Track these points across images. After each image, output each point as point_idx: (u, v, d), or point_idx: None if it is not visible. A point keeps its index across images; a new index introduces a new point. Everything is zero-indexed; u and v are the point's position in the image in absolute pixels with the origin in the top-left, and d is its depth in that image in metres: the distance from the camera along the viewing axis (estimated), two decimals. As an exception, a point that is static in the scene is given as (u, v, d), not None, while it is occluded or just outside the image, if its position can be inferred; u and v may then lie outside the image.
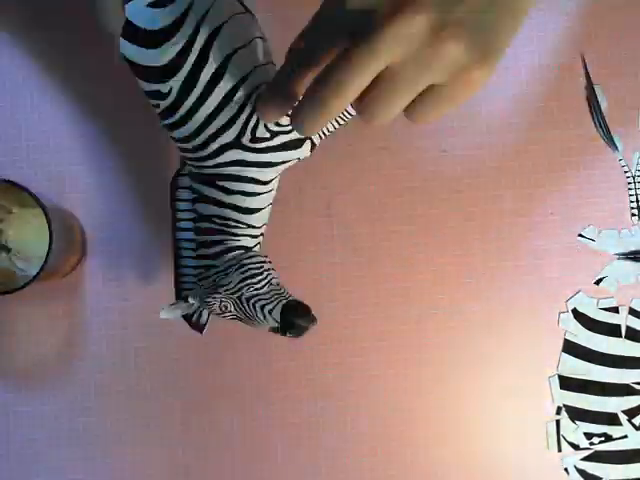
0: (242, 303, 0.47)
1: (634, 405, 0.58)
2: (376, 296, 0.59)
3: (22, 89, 0.60)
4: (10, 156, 0.60)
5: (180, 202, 0.51)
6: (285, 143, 0.47)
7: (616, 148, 0.60)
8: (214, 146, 0.46)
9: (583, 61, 0.60)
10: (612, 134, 0.60)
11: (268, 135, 0.46)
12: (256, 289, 0.47)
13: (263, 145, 0.47)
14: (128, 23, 0.45)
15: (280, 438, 0.58)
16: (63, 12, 0.59)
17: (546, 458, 0.58)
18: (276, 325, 0.47)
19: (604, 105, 0.60)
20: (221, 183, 0.48)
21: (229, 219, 0.49)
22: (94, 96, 0.60)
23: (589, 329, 0.59)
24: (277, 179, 0.50)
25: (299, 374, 0.59)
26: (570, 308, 0.59)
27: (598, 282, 0.59)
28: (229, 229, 0.49)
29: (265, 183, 0.49)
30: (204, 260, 0.50)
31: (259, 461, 0.58)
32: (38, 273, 0.51)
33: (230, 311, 0.48)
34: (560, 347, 0.59)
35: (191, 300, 0.48)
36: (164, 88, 0.44)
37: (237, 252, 0.49)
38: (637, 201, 0.60)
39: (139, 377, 0.58)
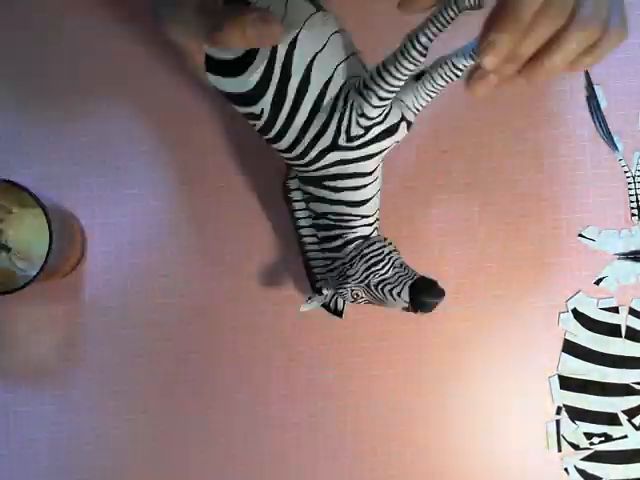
0: (371, 289, 0.51)
1: (634, 405, 0.58)
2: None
3: (22, 89, 0.60)
4: (10, 156, 0.60)
5: (295, 202, 0.54)
6: (379, 134, 0.47)
7: (616, 148, 0.60)
8: (313, 153, 0.48)
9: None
10: (612, 134, 0.60)
11: (362, 131, 0.47)
12: (381, 275, 0.50)
13: (360, 142, 0.47)
14: (208, 57, 0.46)
15: (280, 438, 0.58)
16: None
17: (546, 458, 0.58)
18: (407, 305, 0.50)
19: (604, 105, 0.60)
20: (328, 183, 0.50)
21: (343, 214, 0.51)
22: (93, 96, 0.60)
23: (589, 329, 0.59)
24: (381, 165, 0.51)
25: (299, 374, 0.59)
26: (570, 308, 0.59)
27: (598, 282, 0.59)
28: (345, 223, 0.51)
29: (369, 174, 0.49)
30: (329, 253, 0.53)
31: (259, 461, 0.58)
32: (38, 273, 0.51)
33: (362, 297, 0.51)
34: (560, 347, 0.59)
35: (325, 291, 0.51)
36: (256, 110, 0.46)
37: (357, 242, 0.52)
38: (637, 201, 0.60)
39: (139, 377, 0.58)
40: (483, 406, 0.58)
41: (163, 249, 0.59)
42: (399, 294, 0.49)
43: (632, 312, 0.59)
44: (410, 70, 0.43)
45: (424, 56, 0.42)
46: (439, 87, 0.46)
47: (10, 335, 0.59)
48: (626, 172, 0.60)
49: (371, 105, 0.45)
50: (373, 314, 0.59)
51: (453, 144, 0.60)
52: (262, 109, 0.46)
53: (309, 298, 0.51)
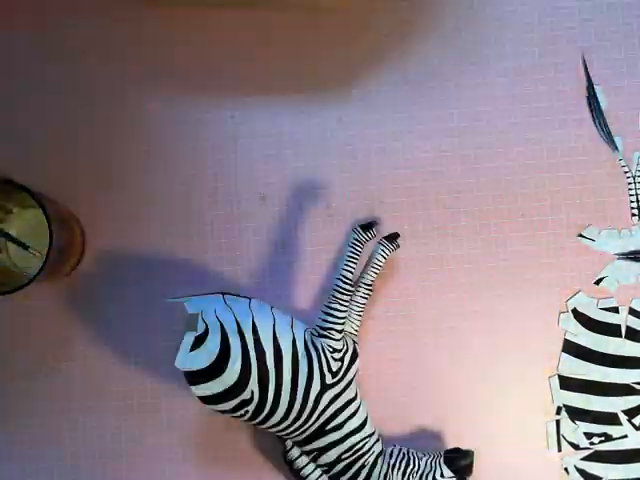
0: None
1: (634, 405, 0.58)
2: (377, 296, 0.59)
3: (23, 90, 0.60)
4: (10, 156, 0.60)
5: (304, 469, 0.55)
6: (350, 360, 0.55)
7: (616, 148, 0.60)
8: (310, 403, 0.52)
9: (583, 61, 0.60)
10: (612, 134, 0.60)
11: (339, 364, 0.54)
12: (417, 471, 0.54)
13: (341, 373, 0.54)
14: (188, 374, 0.50)
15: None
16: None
17: (546, 458, 0.58)
18: (454, 475, 0.53)
19: (604, 105, 0.60)
20: (330, 425, 0.54)
21: (355, 444, 0.54)
22: (92, 99, 0.60)
23: (589, 329, 0.59)
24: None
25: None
26: (570, 308, 0.59)
27: (598, 282, 0.59)
28: (361, 451, 0.54)
29: (355, 398, 0.55)
30: None
31: (259, 460, 0.58)
32: (38, 273, 0.51)
33: None
34: (560, 347, 0.59)
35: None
36: (246, 395, 0.51)
37: (379, 461, 0.55)
38: (637, 201, 0.60)
39: (140, 377, 0.58)
40: (483, 406, 0.58)
41: (163, 249, 0.59)
42: (442, 475, 0.53)
43: (632, 312, 0.59)
44: (347, 300, 0.54)
45: (352, 287, 0.55)
46: (362, 305, 0.56)
47: (10, 335, 0.59)
48: (626, 172, 0.60)
49: (335, 340, 0.54)
50: (373, 314, 0.59)
51: (452, 145, 0.60)
52: (252, 390, 0.51)
53: None
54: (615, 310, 0.59)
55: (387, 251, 0.56)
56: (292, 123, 0.60)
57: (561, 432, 0.58)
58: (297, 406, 0.52)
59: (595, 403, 0.58)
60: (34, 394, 0.58)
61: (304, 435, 0.54)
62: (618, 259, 0.59)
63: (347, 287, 0.55)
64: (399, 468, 0.54)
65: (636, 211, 0.60)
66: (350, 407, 0.54)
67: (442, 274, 0.59)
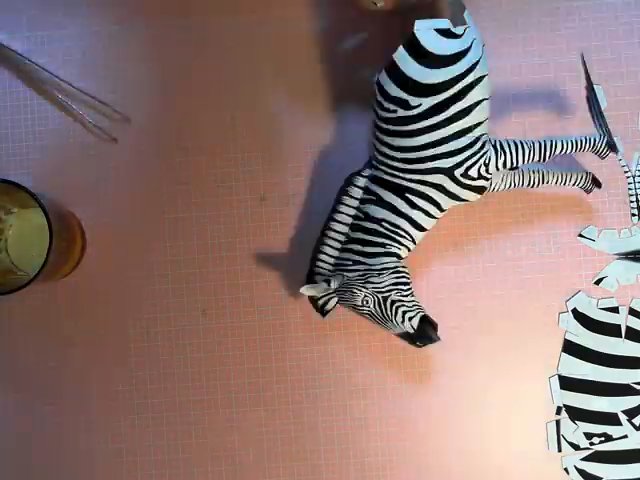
0: (385, 303, 0.53)
1: (634, 405, 0.58)
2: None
3: (23, 89, 0.60)
4: (11, 156, 0.60)
5: (348, 197, 0.55)
6: (476, 187, 0.54)
7: (616, 148, 0.60)
8: (429, 165, 0.52)
9: (583, 61, 0.60)
10: (612, 134, 0.60)
11: (476, 176, 0.53)
12: (403, 295, 0.53)
13: (467, 182, 0.53)
14: (415, 41, 0.50)
15: (280, 438, 0.58)
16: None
17: (546, 458, 0.58)
18: (411, 332, 0.53)
19: (604, 105, 0.60)
20: (410, 197, 0.54)
21: (400, 228, 0.54)
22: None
23: (589, 329, 0.59)
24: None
25: (299, 374, 0.59)
26: (570, 308, 0.59)
27: (598, 282, 0.59)
28: (396, 236, 0.54)
29: (443, 211, 0.55)
30: (353, 255, 0.55)
31: (259, 460, 0.58)
32: (38, 273, 0.51)
33: (369, 307, 0.54)
34: (560, 347, 0.59)
35: (332, 284, 0.53)
36: (414, 101, 0.51)
37: (393, 258, 0.54)
38: (637, 201, 0.60)
39: (139, 377, 0.58)
40: (483, 406, 0.58)
41: (163, 249, 0.59)
42: (410, 319, 0.53)
43: (632, 312, 0.59)
44: (533, 159, 0.54)
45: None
46: (520, 183, 0.56)
47: (10, 335, 0.59)
48: (626, 172, 0.60)
49: (496, 165, 0.53)
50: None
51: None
52: (420, 103, 0.50)
53: (313, 284, 0.53)
54: (615, 310, 0.59)
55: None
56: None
57: (561, 432, 0.58)
58: (424, 154, 0.52)
59: (595, 403, 0.58)
60: (34, 394, 0.58)
61: (390, 178, 0.54)
62: (618, 259, 0.59)
63: (548, 153, 0.54)
64: (398, 277, 0.54)
65: (636, 211, 0.60)
66: (433, 208, 0.54)
67: (442, 274, 0.59)
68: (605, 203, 0.60)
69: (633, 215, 0.60)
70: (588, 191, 0.58)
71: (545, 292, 0.59)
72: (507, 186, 0.56)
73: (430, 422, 0.58)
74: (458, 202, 0.55)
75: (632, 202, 0.60)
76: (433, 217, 0.54)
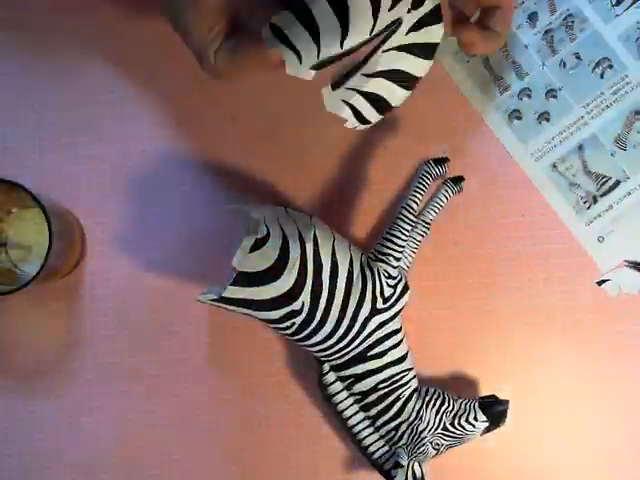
0: (449, 430, 0.53)
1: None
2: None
3: (23, 90, 0.60)
4: (11, 156, 0.60)
5: (336, 395, 0.55)
6: (401, 290, 0.54)
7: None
8: (357, 325, 0.52)
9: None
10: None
11: (392, 290, 0.54)
12: (451, 411, 0.54)
13: (393, 300, 0.54)
14: (243, 276, 0.49)
15: (281, 437, 0.58)
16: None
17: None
18: (487, 426, 0.53)
19: (605, 105, 0.60)
20: (372, 352, 0.53)
21: (393, 375, 0.54)
22: (93, 97, 0.60)
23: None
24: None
25: (299, 375, 0.59)
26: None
27: (600, 283, 0.58)
28: (398, 383, 0.54)
29: (400, 330, 0.54)
30: (389, 424, 0.54)
31: (259, 460, 0.58)
32: (38, 273, 0.51)
33: (443, 444, 0.54)
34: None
35: (403, 462, 0.53)
36: (296, 306, 0.50)
37: (414, 396, 0.54)
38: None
39: (140, 377, 0.58)
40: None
41: (163, 249, 0.59)
42: (475, 418, 0.53)
43: None
44: (408, 230, 0.55)
45: (415, 218, 0.56)
46: (418, 243, 0.57)
47: (10, 335, 0.59)
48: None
49: (392, 266, 0.54)
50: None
51: (453, 144, 0.60)
52: (303, 302, 0.50)
53: (389, 476, 0.53)
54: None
55: (451, 192, 0.58)
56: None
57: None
58: (344, 325, 0.52)
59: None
60: (34, 394, 0.58)
61: (345, 358, 0.53)
62: (626, 266, 0.58)
63: (410, 217, 0.56)
64: (433, 405, 0.54)
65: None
66: (394, 337, 0.54)
67: (442, 273, 0.59)
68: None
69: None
70: (460, 190, 0.58)
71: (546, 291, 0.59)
72: (412, 256, 0.56)
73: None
74: (401, 313, 0.55)
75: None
76: (400, 341, 0.54)
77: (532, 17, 0.59)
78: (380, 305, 0.53)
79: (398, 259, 0.55)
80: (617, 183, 0.58)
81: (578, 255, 0.59)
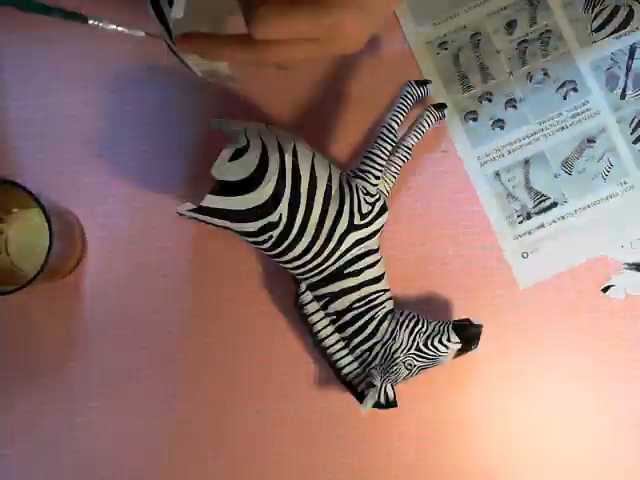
0: (422, 351, 0.53)
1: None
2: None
3: (22, 90, 0.60)
4: (10, 156, 0.60)
5: (312, 315, 0.55)
6: (379, 210, 0.54)
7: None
8: (334, 240, 0.52)
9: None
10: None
11: (370, 207, 0.54)
12: (424, 332, 0.53)
13: (370, 217, 0.54)
14: (220, 183, 0.50)
15: (280, 437, 0.58)
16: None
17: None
18: (459, 347, 0.53)
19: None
20: (348, 270, 0.53)
21: (369, 294, 0.54)
22: (94, 97, 0.60)
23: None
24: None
25: (299, 374, 0.59)
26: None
27: (605, 290, 0.58)
28: (374, 302, 0.54)
29: (377, 250, 0.55)
30: (364, 345, 0.54)
31: (259, 460, 0.58)
32: (38, 273, 0.51)
33: (415, 365, 0.54)
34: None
35: (376, 382, 0.52)
36: (274, 217, 0.51)
37: (389, 317, 0.54)
38: None
39: (139, 377, 0.58)
40: (477, 406, 0.58)
41: (163, 249, 0.59)
42: (448, 339, 0.53)
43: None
44: (388, 150, 0.55)
45: (396, 138, 0.55)
46: (399, 167, 0.56)
47: (10, 335, 0.59)
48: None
49: (371, 184, 0.54)
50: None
51: (454, 144, 0.60)
52: (280, 214, 0.51)
53: (366, 398, 0.52)
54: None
55: (432, 118, 0.57)
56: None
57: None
58: (321, 240, 0.52)
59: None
60: (34, 394, 0.58)
61: (321, 276, 0.54)
62: (628, 269, 0.58)
63: (391, 136, 0.55)
64: (407, 326, 0.54)
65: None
66: (370, 257, 0.54)
67: (442, 274, 0.59)
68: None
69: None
70: (442, 117, 0.58)
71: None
72: (392, 180, 0.56)
73: (429, 424, 0.58)
74: (379, 233, 0.55)
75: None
76: (377, 262, 0.54)
77: (511, 24, 0.59)
78: (357, 221, 0.53)
79: (377, 177, 0.54)
80: (554, 204, 0.59)
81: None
